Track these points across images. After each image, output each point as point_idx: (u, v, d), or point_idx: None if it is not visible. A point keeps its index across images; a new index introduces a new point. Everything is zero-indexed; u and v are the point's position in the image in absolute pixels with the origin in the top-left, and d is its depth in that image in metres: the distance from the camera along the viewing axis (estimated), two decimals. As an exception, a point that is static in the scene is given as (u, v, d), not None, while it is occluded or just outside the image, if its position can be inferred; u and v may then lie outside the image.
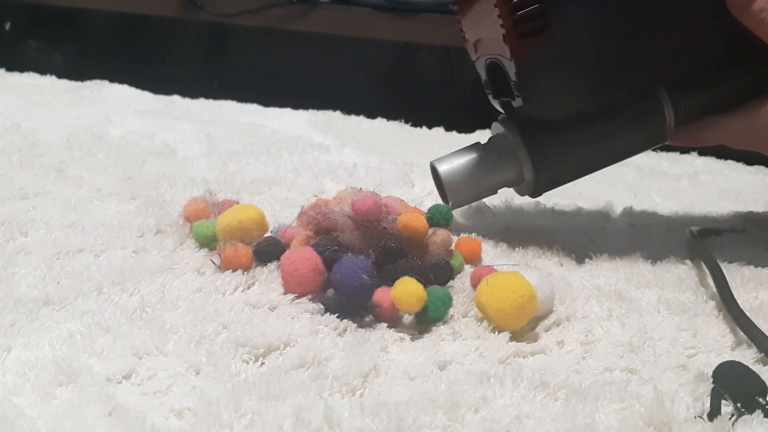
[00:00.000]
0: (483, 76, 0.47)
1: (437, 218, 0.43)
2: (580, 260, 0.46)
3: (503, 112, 0.47)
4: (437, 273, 0.39)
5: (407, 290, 0.35)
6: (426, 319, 0.36)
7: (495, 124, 0.48)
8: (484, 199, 0.57)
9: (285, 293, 0.38)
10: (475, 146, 0.48)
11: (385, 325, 0.36)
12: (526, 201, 0.57)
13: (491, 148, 0.47)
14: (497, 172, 0.47)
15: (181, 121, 0.78)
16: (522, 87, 0.42)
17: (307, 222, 0.41)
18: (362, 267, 0.36)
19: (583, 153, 0.46)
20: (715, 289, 0.40)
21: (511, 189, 0.49)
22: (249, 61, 1.21)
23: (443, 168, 0.47)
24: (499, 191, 0.49)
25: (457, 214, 0.53)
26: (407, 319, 0.37)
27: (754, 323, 0.35)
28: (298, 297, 0.37)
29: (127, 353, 0.32)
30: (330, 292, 0.37)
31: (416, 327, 0.36)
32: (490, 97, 0.48)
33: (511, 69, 0.42)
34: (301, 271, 0.37)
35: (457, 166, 0.47)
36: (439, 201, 0.48)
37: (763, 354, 0.34)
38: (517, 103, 0.43)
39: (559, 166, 0.46)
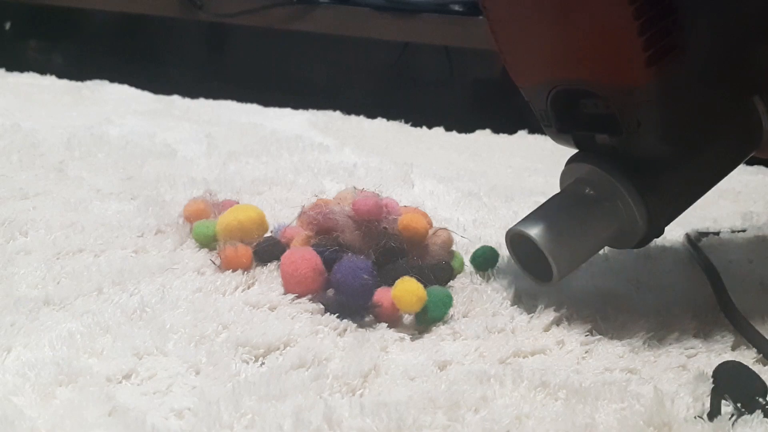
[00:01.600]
0: (542, 106, 0.38)
1: (481, 263, 0.41)
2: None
3: (573, 148, 0.39)
4: (437, 273, 0.39)
5: (407, 290, 0.35)
6: (426, 319, 0.36)
7: (573, 166, 0.39)
8: (484, 199, 0.57)
9: (285, 293, 0.38)
10: (563, 198, 0.39)
11: (385, 325, 0.36)
12: (525, 200, 0.57)
13: (585, 197, 0.38)
14: (605, 227, 0.37)
15: (181, 121, 0.78)
16: (644, 119, 0.34)
17: (307, 222, 0.41)
18: (362, 267, 0.36)
19: (695, 184, 0.39)
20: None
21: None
22: (249, 61, 1.21)
23: (538, 235, 0.36)
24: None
25: (461, 213, 0.53)
26: (407, 319, 0.37)
27: (754, 327, 0.36)
28: (298, 297, 0.37)
29: (127, 353, 0.32)
30: (330, 292, 0.38)
31: (416, 327, 0.36)
32: (549, 131, 0.40)
33: (620, 99, 0.34)
34: (301, 271, 0.37)
35: (554, 228, 0.37)
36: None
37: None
38: (622, 138, 0.35)
39: (673, 203, 0.38)
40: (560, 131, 0.39)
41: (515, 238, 0.38)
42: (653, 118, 0.34)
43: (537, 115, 0.40)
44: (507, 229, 0.38)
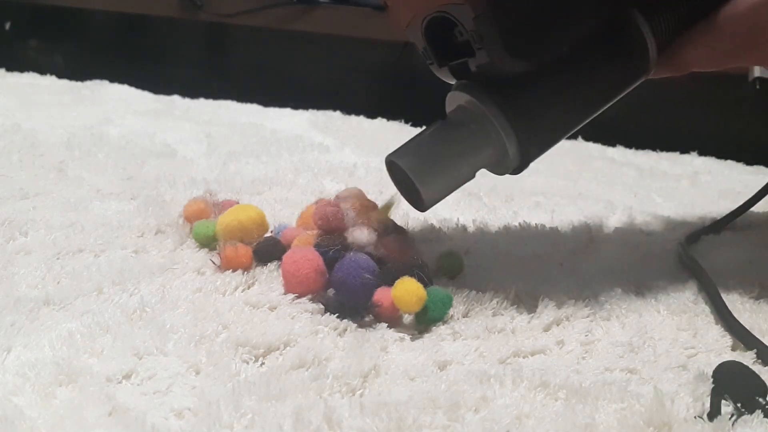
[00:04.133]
0: (422, 43, 0.39)
1: (447, 268, 0.41)
2: (579, 260, 0.46)
3: (453, 80, 0.39)
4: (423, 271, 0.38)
5: (407, 290, 0.35)
6: (426, 319, 0.36)
7: (452, 94, 0.39)
8: (483, 199, 0.57)
9: (285, 293, 0.38)
10: (438, 127, 0.39)
11: (385, 325, 0.36)
12: (525, 200, 0.57)
13: (459, 124, 0.38)
14: (474, 153, 0.38)
15: (181, 121, 0.78)
16: (484, 32, 0.35)
17: (318, 217, 0.40)
18: (365, 266, 0.36)
19: (564, 106, 0.38)
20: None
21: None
22: (249, 61, 1.21)
23: (406, 162, 0.37)
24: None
25: (461, 213, 0.53)
26: (407, 319, 0.37)
27: (753, 334, 0.35)
28: (298, 297, 0.37)
29: (127, 353, 0.32)
30: (330, 291, 0.37)
31: (416, 327, 0.36)
32: (434, 68, 0.39)
33: (465, 16, 0.35)
34: (302, 271, 0.37)
35: (423, 156, 0.38)
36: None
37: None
38: (479, 59, 0.35)
39: (543, 128, 0.38)
40: (440, 65, 0.39)
41: (391, 166, 0.39)
42: (491, 30, 0.34)
43: (422, 56, 0.40)
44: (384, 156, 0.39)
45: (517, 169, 0.39)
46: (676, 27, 0.38)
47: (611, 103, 0.39)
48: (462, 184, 0.39)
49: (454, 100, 0.39)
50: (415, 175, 0.37)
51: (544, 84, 0.37)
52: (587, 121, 0.39)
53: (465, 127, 0.38)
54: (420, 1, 0.37)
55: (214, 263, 0.41)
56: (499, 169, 0.39)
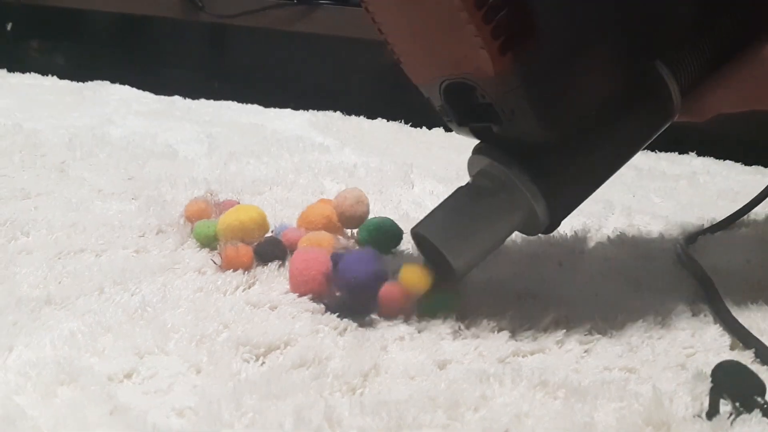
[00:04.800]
0: (438, 101, 0.38)
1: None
2: (578, 260, 0.46)
3: (475, 139, 0.39)
4: None
5: (414, 270, 0.36)
6: (430, 306, 0.37)
7: (474, 158, 0.38)
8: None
9: (288, 291, 0.38)
10: (462, 193, 0.38)
11: (385, 324, 0.36)
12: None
13: (484, 190, 0.37)
14: (503, 220, 0.37)
15: (182, 121, 0.78)
16: (515, 107, 0.34)
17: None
18: (369, 259, 0.36)
19: (595, 164, 0.37)
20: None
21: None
22: (250, 61, 1.21)
23: (434, 233, 0.37)
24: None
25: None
26: (414, 307, 0.37)
27: (751, 333, 0.36)
28: (300, 296, 0.38)
29: (129, 352, 0.32)
30: (333, 291, 0.38)
31: (420, 316, 0.37)
32: (452, 125, 0.39)
33: (493, 89, 0.34)
34: (311, 271, 0.37)
35: (450, 226, 0.37)
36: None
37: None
38: (504, 127, 0.35)
39: (571, 190, 0.37)
40: (459, 124, 0.38)
41: (418, 238, 0.38)
42: (524, 105, 0.33)
43: (438, 112, 0.39)
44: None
45: (548, 230, 0.38)
46: (700, 72, 0.38)
47: (635, 154, 0.39)
48: (493, 251, 0.38)
49: (477, 163, 0.38)
50: (445, 247, 0.36)
51: (570, 145, 0.36)
52: (612, 175, 0.38)
53: (492, 195, 0.37)
54: (437, 67, 0.36)
55: (215, 263, 0.41)
56: (529, 231, 0.39)
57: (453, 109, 0.38)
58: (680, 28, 0.37)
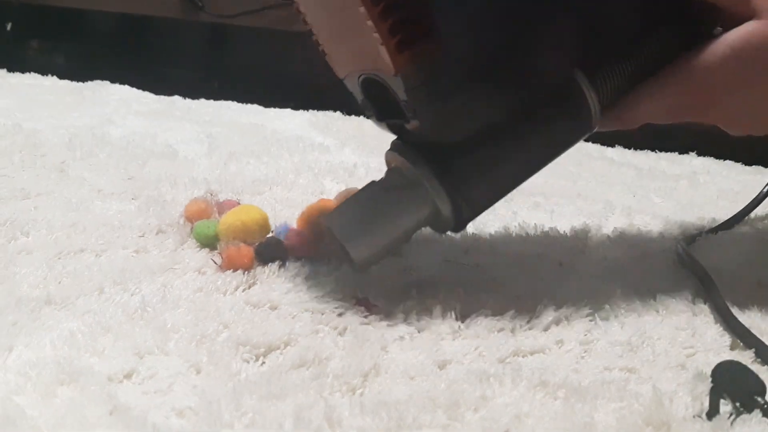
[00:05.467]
0: (359, 95, 0.38)
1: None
2: (578, 259, 0.46)
3: (394, 135, 0.39)
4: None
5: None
6: None
7: (389, 154, 0.39)
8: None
9: (290, 291, 0.38)
10: (371, 188, 0.39)
11: (385, 324, 0.36)
12: (524, 200, 0.57)
13: (392, 186, 0.38)
14: (407, 216, 0.37)
15: (182, 121, 0.78)
16: (416, 106, 0.34)
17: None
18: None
19: (502, 169, 0.37)
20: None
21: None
22: (250, 61, 1.21)
23: (338, 226, 0.37)
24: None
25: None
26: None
27: (752, 333, 0.36)
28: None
29: (129, 352, 0.32)
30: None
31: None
32: (373, 120, 0.39)
33: (398, 86, 0.34)
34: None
35: (354, 219, 0.37)
36: None
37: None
38: (412, 124, 0.35)
39: (481, 190, 0.37)
40: (378, 120, 0.38)
41: (327, 229, 0.39)
42: (423, 106, 0.34)
43: (360, 106, 0.39)
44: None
45: (455, 229, 0.39)
46: (624, 84, 0.38)
47: (551, 161, 0.39)
48: (398, 244, 0.39)
49: (390, 159, 0.39)
50: (346, 240, 0.37)
51: (479, 148, 0.36)
52: (526, 180, 0.39)
53: (399, 190, 0.38)
54: (352, 62, 0.37)
55: (215, 263, 0.41)
56: (437, 228, 0.39)
57: (371, 104, 0.38)
58: (603, 42, 0.37)
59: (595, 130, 0.39)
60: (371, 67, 0.35)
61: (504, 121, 0.36)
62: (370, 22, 0.31)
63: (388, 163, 0.40)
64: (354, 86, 0.38)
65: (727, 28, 0.36)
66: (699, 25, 0.38)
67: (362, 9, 0.31)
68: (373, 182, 0.39)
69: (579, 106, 0.37)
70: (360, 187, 0.43)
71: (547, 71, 0.36)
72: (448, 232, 0.39)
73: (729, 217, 0.55)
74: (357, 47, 0.35)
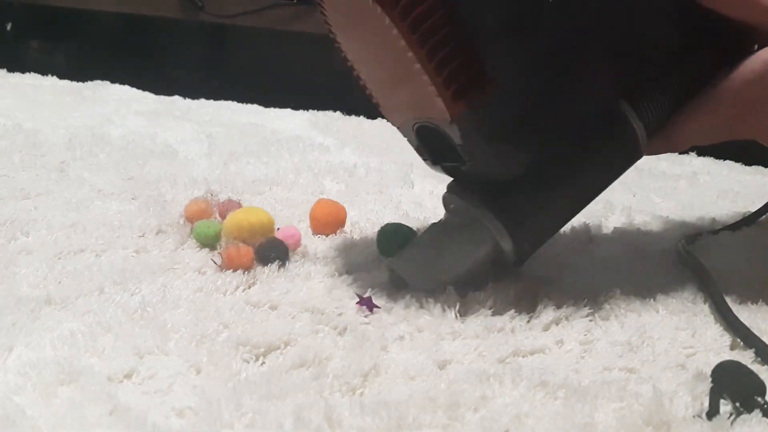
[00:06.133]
0: (414, 142, 0.40)
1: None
2: (578, 260, 0.46)
3: (450, 177, 0.41)
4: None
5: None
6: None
7: (446, 196, 0.40)
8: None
9: (289, 291, 0.38)
10: (433, 230, 0.41)
11: (385, 324, 0.36)
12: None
13: (452, 227, 0.40)
14: (469, 254, 0.39)
15: (182, 121, 0.78)
16: (472, 149, 0.36)
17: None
18: None
19: (556, 203, 0.39)
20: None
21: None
22: (250, 61, 1.21)
23: (403, 268, 0.39)
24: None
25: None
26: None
27: (752, 331, 0.36)
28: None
29: (129, 352, 0.32)
30: None
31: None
32: (428, 164, 0.41)
33: (453, 132, 0.35)
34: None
35: (419, 261, 0.39)
36: None
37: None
38: (468, 167, 0.37)
39: (537, 226, 0.39)
40: (434, 164, 0.40)
41: (390, 272, 0.41)
42: (479, 147, 0.35)
43: (416, 151, 0.41)
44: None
45: (516, 264, 0.40)
46: (668, 107, 0.39)
47: (604, 190, 0.41)
48: (459, 282, 0.39)
49: (449, 201, 0.40)
50: (410, 279, 0.39)
51: (535, 184, 0.38)
52: (580, 211, 0.40)
53: (460, 230, 0.39)
54: (407, 111, 0.39)
55: (215, 263, 0.41)
56: (500, 264, 0.40)
57: (426, 149, 0.40)
58: (645, 70, 0.38)
59: (644, 156, 0.40)
60: (426, 115, 0.36)
61: (555, 157, 0.37)
62: (426, 77, 0.33)
63: (446, 205, 0.41)
64: (408, 133, 0.40)
65: (764, 45, 0.37)
66: (737, 45, 0.38)
67: (417, 65, 0.33)
68: (433, 224, 0.41)
69: (626, 135, 0.38)
70: (360, 187, 0.43)
71: (592, 105, 0.37)
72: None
73: (730, 217, 0.55)
74: (411, 97, 0.36)
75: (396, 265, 0.40)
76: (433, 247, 0.40)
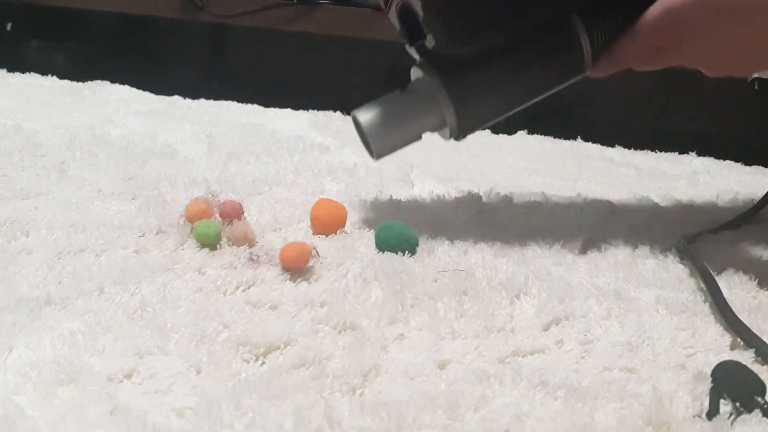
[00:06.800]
0: (397, 24, 0.45)
1: (403, 245, 0.44)
2: (579, 260, 0.46)
3: (421, 57, 0.46)
4: None
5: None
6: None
7: (414, 69, 0.47)
8: (483, 199, 0.57)
9: (289, 290, 0.38)
10: (396, 93, 0.46)
11: (385, 324, 0.36)
12: (525, 200, 0.57)
13: (411, 93, 0.46)
14: (419, 118, 0.45)
15: (182, 121, 0.78)
16: (430, 21, 0.41)
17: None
18: None
19: (501, 89, 0.45)
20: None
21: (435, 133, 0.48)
22: (250, 61, 1.21)
23: (364, 118, 0.45)
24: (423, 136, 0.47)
25: (461, 213, 0.54)
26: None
27: (751, 330, 0.36)
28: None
29: (128, 352, 0.32)
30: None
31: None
32: (407, 46, 0.46)
33: (417, 4, 0.41)
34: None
35: (378, 115, 0.45)
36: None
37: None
38: (429, 42, 0.42)
39: (479, 104, 0.45)
40: (410, 44, 0.45)
41: (354, 121, 0.46)
42: (436, 19, 0.41)
43: (401, 37, 0.46)
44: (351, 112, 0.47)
45: (456, 136, 0.46)
46: (612, 31, 0.44)
47: (546, 95, 0.46)
48: (409, 143, 0.47)
49: (414, 74, 0.47)
50: (369, 129, 0.45)
51: (485, 68, 0.44)
52: (523, 107, 0.46)
53: (416, 96, 0.45)
54: None
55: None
56: (442, 134, 0.47)
57: (405, 30, 0.45)
58: None
59: (588, 73, 0.46)
60: None
61: (507, 47, 0.44)
62: None
63: (413, 75, 0.47)
64: (394, 17, 0.45)
65: None
66: None
67: None
68: (397, 89, 0.47)
69: (573, 44, 0.44)
70: (360, 187, 0.44)
71: (545, 10, 0.43)
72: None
73: (730, 217, 0.55)
74: None
75: (361, 116, 0.45)
76: (392, 108, 0.46)
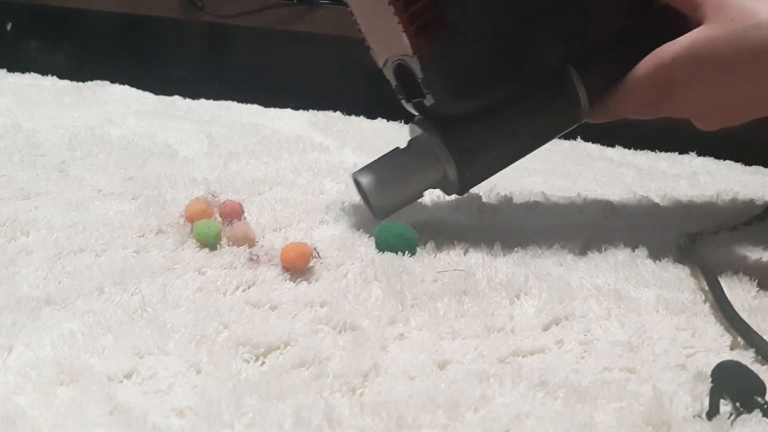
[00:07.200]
0: (393, 81, 0.46)
1: (403, 245, 0.44)
2: (579, 260, 0.46)
3: (418, 114, 0.47)
4: None
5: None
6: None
7: (412, 126, 0.47)
8: (483, 199, 0.57)
9: (289, 290, 0.38)
10: (395, 152, 0.47)
11: (385, 324, 0.36)
12: (525, 200, 0.57)
13: (411, 151, 0.47)
14: (420, 176, 0.46)
15: (182, 121, 0.78)
16: (430, 82, 0.42)
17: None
18: None
19: (502, 142, 0.46)
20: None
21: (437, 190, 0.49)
22: (250, 61, 1.21)
23: (365, 179, 0.46)
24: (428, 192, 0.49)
25: (461, 214, 0.54)
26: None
27: (752, 329, 0.36)
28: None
29: (129, 352, 0.32)
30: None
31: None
32: (404, 102, 0.47)
33: (416, 66, 0.42)
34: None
35: (378, 175, 0.46)
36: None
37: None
38: (428, 101, 0.43)
39: (480, 159, 0.45)
40: (407, 101, 0.46)
41: (355, 182, 0.47)
42: (436, 79, 0.42)
43: (396, 92, 0.47)
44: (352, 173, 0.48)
45: (459, 192, 0.47)
46: (608, 81, 0.45)
47: (545, 143, 0.47)
48: (411, 201, 0.48)
49: (413, 131, 0.48)
50: (368, 189, 0.46)
51: (485, 122, 0.44)
52: (523, 157, 0.47)
53: (415, 153, 0.46)
54: (385, 49, 0.45)
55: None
56: (446, 190, 0.48)
57: (402, 87, 0.46)
58: (594, 41, 0.44)
59: (585, 120, 0.47)
60: (398, 52, 0.43)
61: (505, 103, 0.44)
62: (395, 15, 0.40)
63: (411, 133, 0.48)
64: (389, 73, 0.46)
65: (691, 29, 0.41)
66: (670, 30, 0.42)
67: (389, 5, 0.40)
68: (397, 148, 0.47)
69: (570, 96, 0.45)
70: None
71: (541, 62, 0.44)
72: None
73: (730, 217, 0.55)
74: (387, 36, 0.43)
75: (362, 178, 0.46)
76: (392, 168, 0.46)
